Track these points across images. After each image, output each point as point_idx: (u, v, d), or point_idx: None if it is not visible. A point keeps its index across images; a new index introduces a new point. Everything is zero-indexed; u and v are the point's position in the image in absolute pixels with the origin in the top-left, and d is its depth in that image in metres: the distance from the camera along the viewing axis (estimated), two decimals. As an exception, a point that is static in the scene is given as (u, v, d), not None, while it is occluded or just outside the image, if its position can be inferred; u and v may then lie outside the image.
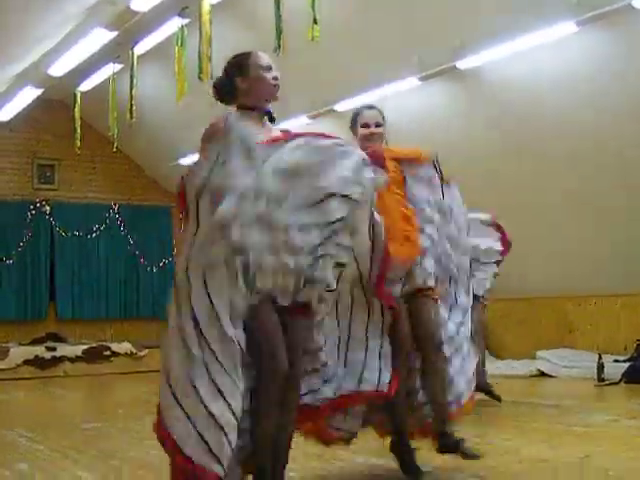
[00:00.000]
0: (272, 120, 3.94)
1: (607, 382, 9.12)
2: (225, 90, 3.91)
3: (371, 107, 4.97)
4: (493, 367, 9.68)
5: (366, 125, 4.85)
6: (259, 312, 3.59)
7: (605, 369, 9.30)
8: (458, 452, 4.54)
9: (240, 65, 3.88)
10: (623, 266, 9.86)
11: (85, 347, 13.98)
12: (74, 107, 12.94)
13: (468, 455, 4.52)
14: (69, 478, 4.94)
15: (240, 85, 3.86)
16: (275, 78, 3.88)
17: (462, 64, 9.48)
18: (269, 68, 3.88)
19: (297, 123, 11.57)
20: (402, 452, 4.59)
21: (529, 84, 9.32)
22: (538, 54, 8.86)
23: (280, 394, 3.61)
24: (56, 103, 14.63)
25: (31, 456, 5.76)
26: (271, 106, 3.95)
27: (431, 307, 4.76)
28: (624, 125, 8.86)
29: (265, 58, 3.92)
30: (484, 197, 7.70)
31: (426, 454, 4.65)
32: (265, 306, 3.60)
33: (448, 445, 4.56)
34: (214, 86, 3.97)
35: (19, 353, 13.48)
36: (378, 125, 4.87)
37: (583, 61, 8.70)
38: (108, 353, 13.84)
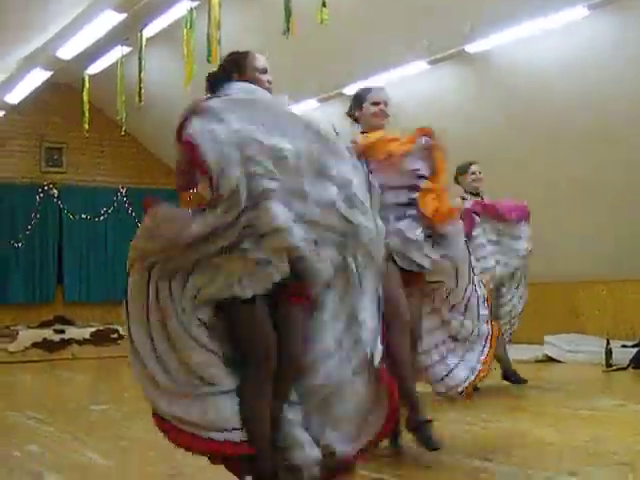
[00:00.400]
0: None
1: (615, 367, 9.11)
2: (219, 86, 3.84)
3: (380, 88, 5.12)
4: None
5: (378, 103, 4.98)
6: (250, 310, 3.55)
7: (613, 354, 9.29)
8: (421, 435, 4.60)
9: (238, 63, 3.91)
10: (633, 252, 9.84)
11: (93, 330, 14.02)
12: (82, 90, 12.91)
13: (429, 443, 4.56)
14: (79, 459, 4.97)
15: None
16: (269, 82, 3.95)
17: (471, 48, 9.47)
18: (265, 71, 3.95)
19: (306, 107, 11.57)
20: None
21: (538, 69, 9.29)
22: (548, 38, 8.83)
23: (269, 390, 3.59)
24: (64, 86, 14.60)
25: (40, 438, 5.80)
26: (281, 89, 3.95)
27: (416, 300, 4.92)
28: (634, 111, 8.83)
29: (262, 60, 3.97)
30: (490, 181, 7.70)
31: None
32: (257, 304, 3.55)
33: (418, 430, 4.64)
34: (208, 79, 3.94)
35: (27, 336, 13.53)
36: (386, 104, 5.00)
37: (593, 46, 8.67)
38: (115, 336, 13.85)
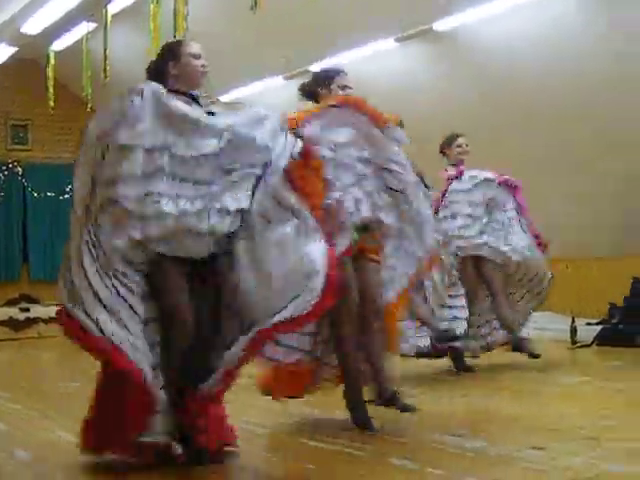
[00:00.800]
0: (198, 103, 4.25)
1: (579, 344, 9.20)
2: (157, 73, 4.25)
3: (345, 72, 5.17)
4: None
5: (345, 87, 5.06)
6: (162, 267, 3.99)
7: (578, 332, 9.37)
8: (394, 406, 4.84)
9: (173, 52, 4.26)
10: (600, 230, 9.91)
11: (58, 308, 13.91)
12: (47, 66, 12.79)
13: (405, 409, 4.83)
14: (48, 437, 4.95)
15: (171, 70, 4.22)
16: (203, 66, 4.27)
17: (439, 26, 9.47)
18: (198, 56, 4.26)
19: (273, 83, 11.53)
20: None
21: (507, 45, 9.31)
22: (516, 15, 8.86)
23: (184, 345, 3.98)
24: (30, 62, 14.42)
25: (8, 416, 5.78)
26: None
27: (374, 270, 4.98)
28: (606, 90, 8.89)
29: (196, 47, 4.28)
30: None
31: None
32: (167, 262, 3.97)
33: (386, 400, 4.88)
34: (147, 69, 4.35)
35: (-8, 314, 13.44)
36: (350, 89, 5.08)
37: (562, 23, 8.71)
38: (82, 314, 13.74)
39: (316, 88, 5.11)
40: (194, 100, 4.23)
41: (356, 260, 4.88)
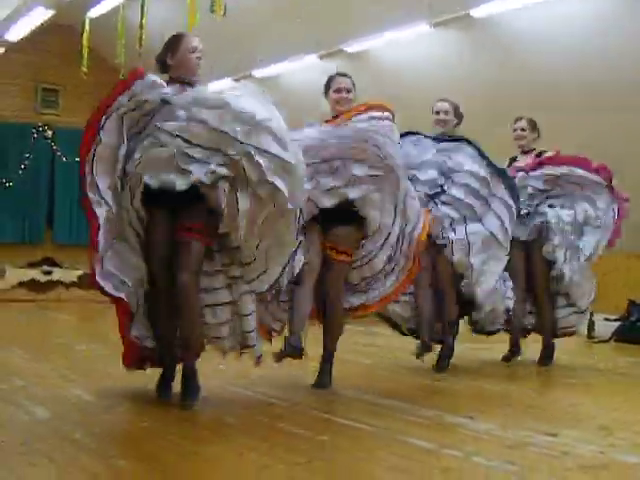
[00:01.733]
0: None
1: (597, 339, 9.21)
2: (161, 63, 4.91)
3: (344, 74, 5.60)
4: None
5: (339, 90, 5.48)
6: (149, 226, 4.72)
7: (596, 327, 9.37)
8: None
9: (171, 45, 4.88)
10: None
11: (80, 273, 14.03)
12: (82, 33, 12.84)
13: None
14: (64, 394, 5.01)
15: (169, 61, 4.86)
16: (198, 58, 4.84)
17: (476, 12, 9.41)
18: (194, 50, 4.83)
19: (308, 61, 11.52)
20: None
21: (542, 34, 9.26)
22: (553, 5, 8.82)
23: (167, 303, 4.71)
24: (65, 28, 14.50)
25: (25, 373, 5.83)
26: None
27: (342, 271, 5.44)
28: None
29: (194, 41, 4.87)
30: (493, 143, 7.61)
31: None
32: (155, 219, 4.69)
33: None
34: (155, 59, 4.94)
35: (15, 274, 13.55)
36: (348, 91, 5.48)
37: (598, 15, 8.66)
38: (103, 281, 13.84)
39: (325, 94, 5.61)
40: (189, 86, 4.80)
41: (325, 259, 5.42)
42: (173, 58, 4.85)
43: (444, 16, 9.67)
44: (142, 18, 11.04)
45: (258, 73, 12.59)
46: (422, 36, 10.21)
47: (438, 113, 6.55)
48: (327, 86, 5.55)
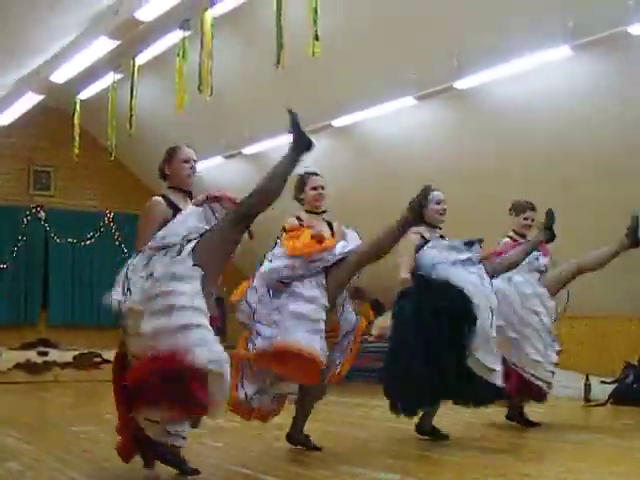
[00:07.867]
0: (191, 197, 5.12)
1: (594, 403, 9.20)
2: (160, 172, 5.24)
3: (316, 173, 5.94)
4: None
5: (316, 188, 5.87)
6: None
7: (592, 390, 9.37)
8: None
9: (168, 157, 5.19)
10: (614, 288, 9.92)
11: (76, 353, 14.03)
12: (73, 115, 13.00)
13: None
14: (60, 478, 5.00)
15: (167, 171, 5.19)
16: (191, 168, 5.16)
17: (460, 84, 9.53)
18: (187, 160, 5.15)
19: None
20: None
21: (525, 106, 9.37)
22: (534, 76, 8.93)
23: None
24: (55, 110, 14.66)
25: (21, 456, 5.82)
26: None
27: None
28: (620, 150, 8.94)
29: (186, 153, 5.18)
30: (477, 218, 7.66)
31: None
32: None
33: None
34: (158, 168, 5.25)
35: (11, 357, 13.55)
36: (323, 188, 5.88)
37: (576, 84, 8.77)
38: (98, 360, 13.87)
39: (297, 194, 5.95)
40: (187, 195, 5.13)
41: None
42: (169, 168, 5.17)
43: (429, 89, 9.77)
44: (132, 100, 11.20)
45: (247, 150, 12.74)
46: (407, 109, 10.31)
47: (439, 203, 6.40)
48: (301, 184, 5.88)
